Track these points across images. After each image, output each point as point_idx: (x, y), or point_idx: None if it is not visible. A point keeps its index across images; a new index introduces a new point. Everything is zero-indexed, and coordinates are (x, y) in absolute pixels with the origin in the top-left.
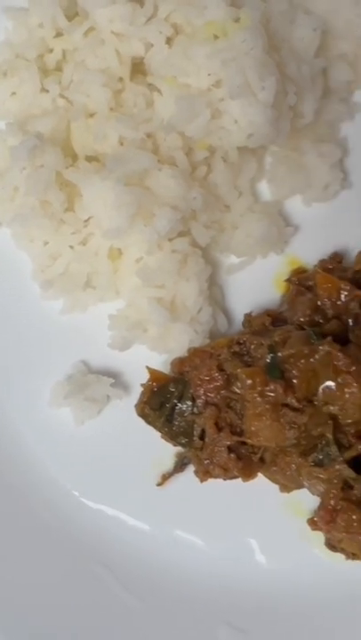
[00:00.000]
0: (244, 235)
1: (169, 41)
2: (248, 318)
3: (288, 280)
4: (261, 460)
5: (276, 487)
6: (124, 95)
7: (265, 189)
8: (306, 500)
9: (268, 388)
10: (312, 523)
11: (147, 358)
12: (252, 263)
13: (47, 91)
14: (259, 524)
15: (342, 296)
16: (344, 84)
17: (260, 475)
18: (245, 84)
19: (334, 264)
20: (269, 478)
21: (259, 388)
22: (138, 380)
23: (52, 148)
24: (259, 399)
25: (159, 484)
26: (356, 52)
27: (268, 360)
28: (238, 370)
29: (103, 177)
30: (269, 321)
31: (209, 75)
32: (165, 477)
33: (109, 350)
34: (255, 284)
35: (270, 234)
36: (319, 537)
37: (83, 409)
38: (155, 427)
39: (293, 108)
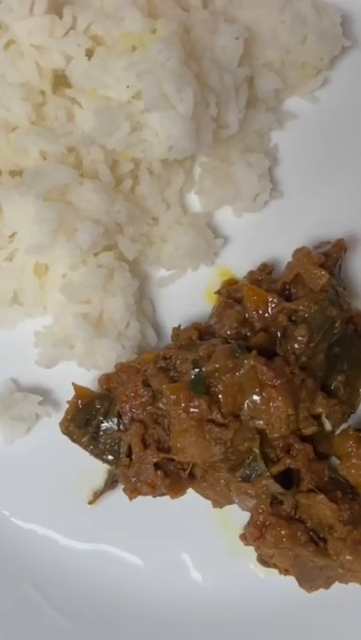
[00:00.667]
0: (172, 247)
1: (89, 53)
2: (176, 332)
3: (218, 292)
4: (191, 475)
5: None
6: (45, 108)
7: (195, 200)
8: (238, 514)
9: (192, 404)
10: (243, 538)
11: (76, 374)
12: (182, 275)
13: None
14: (192, 540)
15: (270, 308)
16: (272, 93)
17: (191, 490)
18: (162, 96)
19: (263, 275)
20: (200, 494)
21: (183, 404)
22: (67, 396)
23: None
24: (183, 415)
25: (91, 502)
26: (284, 60)
27: (192, 376)
28: (163, 385)
29: (22, 192)
30: (196, 335)
31: (128, 87)
32: (97, 495)
33: (39, 367)
34: (186, 296)
35: (199, 246)
36: (253, 552)
37: (11, 428)
38: (80, 444)
39: (217, 119)
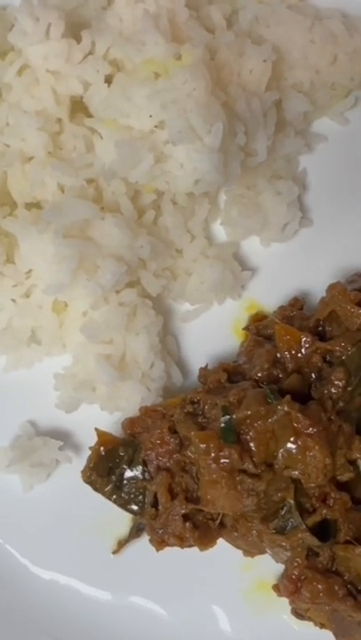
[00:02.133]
0: (198, 281)
1: (109, 79)
2: (203, 373)
3: (246, 328)
4: (221, 524)
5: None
6: (62, 137)
7: (220, 230)
8: (272, 564)
9: (222, 454)
10: (277, 589)
11: (98, 416)
12: (208, 310)
13: None
14: (222, 590)
15: (303, 348)
16: (300, 116)
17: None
18: (189, 129)
19: (295, 311)
20: (231, 543)
21: (213, 454)
22: (89, 440)
23: None
24: (213, 465)
25: (115, 552)
26: (313, 81)
27: (222, 423)
28: (192, 433)
29: (40, 229)
30: (225, 377)
31: (151, 116)
32: (121, 544)
33: (56, 410)
34: (212, 332)
35: (225, 279)
36: (286, 602)
37: (30, 475)
38: (103, 494)
39: (245, 147)
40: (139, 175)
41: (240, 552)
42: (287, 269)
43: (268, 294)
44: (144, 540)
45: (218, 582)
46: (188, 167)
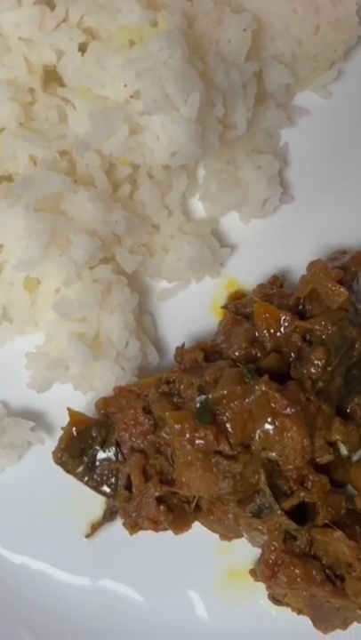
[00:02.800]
0: (175, 258)
1: (83, 47)
2: (180, 352)
3: (225, 307)
4: (197, 507)
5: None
6: (35, 108)
7: (198, 206)
8: (248, 548)
9: (198, 435)
10: (254, 574)
11: (71, 396)
12: (185, 287)
13: None
14: (197, 575)
15: (283, 327)
16: (282, 88)
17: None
18: (164, 98)
19: (275, 289)
20: (207, 527)
21: (188, 435)
22: (62, 420)
23: None
24: (188, 447)
25: (88, 536)
26: (294, 52)
27: (198, 404)
28: (166, 413)
29: (11, 203)
30: (202, 356)
31: (125, 86)
32: (95, 528)
33: (28, 389)
34: (190, 310)
35: (203, 256)
36: (264, 588)
37: (1, 456)
38: (74, 476)
39: (223, 120)
40: (113, 147)
41: (215, 536)
42: (267, 247)
43: (247, 272)
44: (118, 524)
45: (193, 567)
46: (164, 139)
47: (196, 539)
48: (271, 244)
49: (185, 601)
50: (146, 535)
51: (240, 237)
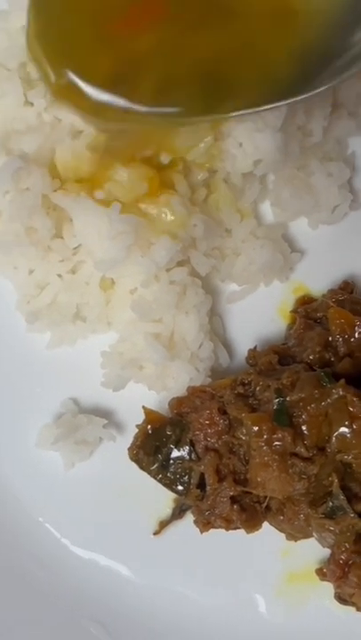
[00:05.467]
0: (246, 262)
1: None
2: (253, 354)
3: (295, 311)
4: (267, 507)
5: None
6: None
7: (267, 211)
8: (311, 549)
9: (275, 436)
10: (321, 573)
11: (141, 395)
12: (254, 291)
13: (31, 104)
14: (261, 574)
15: (356, 333)
16: (353, 97)
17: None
18: None
19: (345, 295)
20: (275, 527)
21: (265, 436)
22: (132, 418)
23: (38, 170)
24: (265, 448)
25: (156, 533)
26: None
27: (275, 406)
28: (243, 415)
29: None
30: (276, 359)
31: None
32: (163, 525)
33: (101, 388)
34: (258, 313)
35: (275, 261)
36: (329, 587)
37: (73, 452)
38: (148, 473)
39: (302, 128)
40: (197, 154)
41: (279, 536)
42: (334, 252)
43: (314, 277)
44: (184, 522)
45: (257, 567)
46: (249, 147)
47: (259, 539)
48: (338, 249)
49: (248, 600)
50: (212, 534)
51: (308, 243)
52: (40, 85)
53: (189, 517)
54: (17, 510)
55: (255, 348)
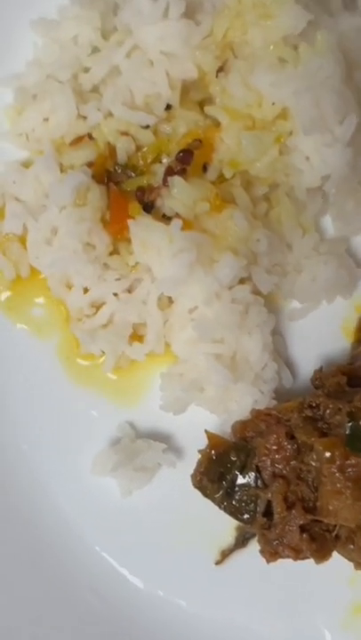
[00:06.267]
0: (309, 279)
1: (225, 64)
2: (319, 376)
3: (359, 329)
4: (336, 536)
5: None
6: (173, 123)
7: (328, 225)
8: None
9: (348, 462)
10: None
11: (202, 419)
12: (316, 308)
13: (84, 117)
14: (327, 605)
15: None
16: None
17: None
18: (320, 119)
19: None
20: (345, 556)
21: (338, 462)
22: (192, 443)
23: (97, 185)
24: (338, 475)
25: (218, 562)
26: None
27: (348, 430)
28: (313, 439)
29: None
30: (345, 380)
31: (273, 104)
32: (225, 554)
33: (160, 411)
34: (320, 332)
35: (339, 277)
36: None
37: (131, 479)
38: (213, 500)
39: None
40: (262, 168)
41: (345, 564)
42: None
43: None
44: (247, 550)
45: (322, 597)
46: (316, 161)
47: (324, 569)
48: None
49: (313, 632)
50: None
51: None
52: (92, 97)
53: (252, 546)
54: (72, 539)
55: (321, 368)
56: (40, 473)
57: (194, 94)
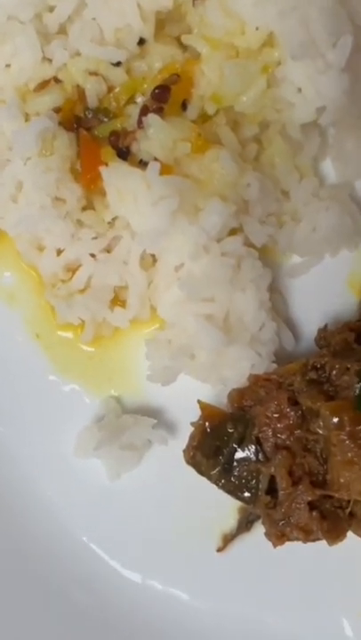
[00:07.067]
0: (309, 228)
1: None
2: (324, 335)
3: None
4: (350, 514)
5: None
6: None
7: (329, 169)
8: None
9: (360, 428)
10: None
11: (195, 389)
12: (319, 262)
13: (50, 60)
14: (345, 590)
15: None
16: None
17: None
18: (310, 42)
19: None
20: (359, 536)
21: (348, 428)
22: (186, 416)
23: (65, 132)
24: (348, 442)
25: (220, 550)
26: None
27: (357, 391)
28: (319, 404)
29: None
30: (353, 337)
31: (257, 29)
32: (227, 540)
33: (147, 383)
34: (325, 287)
35: (342, 226)
36: None
37: (118, 459)
38: (208, 478)
39: None
40: (248, 103)
41: None
42: None
43: None
44: (252, 535)
45: (338, 583)
46: (309, 92)
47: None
48: None
49: (330, 625)
50: (284, 548)
51: None
52: (58, 38)
53: (258, 529)
54: (58, 530)
55: (325, 326)
56: (19, 457)
57: (170, 28)
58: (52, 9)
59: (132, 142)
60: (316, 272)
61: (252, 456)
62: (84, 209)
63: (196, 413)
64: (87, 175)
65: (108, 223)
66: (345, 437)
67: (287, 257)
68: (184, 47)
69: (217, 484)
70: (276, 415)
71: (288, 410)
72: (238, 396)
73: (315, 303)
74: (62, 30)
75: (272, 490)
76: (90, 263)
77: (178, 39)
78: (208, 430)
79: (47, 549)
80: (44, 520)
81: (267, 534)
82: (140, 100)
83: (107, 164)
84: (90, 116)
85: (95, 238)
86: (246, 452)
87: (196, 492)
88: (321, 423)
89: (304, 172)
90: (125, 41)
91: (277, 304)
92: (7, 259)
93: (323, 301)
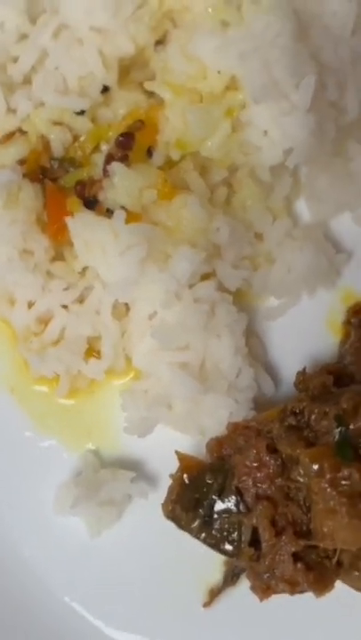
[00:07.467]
0: (284, 269)
1: (165, 34)
2: (302, 377)
3: (347, 323)
4: (338, 563)
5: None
6: (112, 107)
7: (303, 209)
8: None
9: (340, 475)
10: None
11: (173, 440)
12: (296, 304)
13: (14, 111)
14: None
15: None
16: None
17: None
18: (273, 84)
19: None
20: (350, 585)
21: (328, 475)
22: (166, 468)
23: (30, 183)
24: (330, 490)
25: (206, 605)
26: None
27: (336, 436)
28: (298, 451)
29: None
30: (331, 380)
31: (219, 73)
32: (213, 594)
33: (125, 435)
34: (303, 329)
35: (318, 265)
36: None
37: (98, 516)
38: (189, 532)
39: (335, 104)
40: (213, 147)
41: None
42: None
43: None
44: (239, 588)
45: (331, 635)
46: (275, 134)
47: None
48: None
49: None
50: (273, 600)
51: (354, 241)
52: (23, 88)
53: (245, 582)
54: (39, 591)
55: (304, 369)
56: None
57: (135, 74)
58: (15, 59)
59: (99, 191)
60: (293, 313)
61: (233, 507)
62: (53, 260)
63: (176, 464)
64: (54, 226)
65: (79, 273)
66: (326, 485)
67: (263, 299)
68: (149, 93)
69: (198, 538)
70: (255, 464)
71: (267, 458)
72: (217, 445)
73: (294, 345)
74: (27, 80)
75: (255, 541)
76: (62, 315)
77: (142, 85)
78: (187, 482)
79: (29, 610)
80: (25, 580)
81: (252, 588)
82: (105, 148)
83: (72, 215)
84: (55, 166)
85: (66, 289)
86: (227, 503)
87: (179, 545)
88: (301, 471)
89: (277, 213)
90: (89, 89)
91: (255, 348)
92: None
93: (302, 343)
